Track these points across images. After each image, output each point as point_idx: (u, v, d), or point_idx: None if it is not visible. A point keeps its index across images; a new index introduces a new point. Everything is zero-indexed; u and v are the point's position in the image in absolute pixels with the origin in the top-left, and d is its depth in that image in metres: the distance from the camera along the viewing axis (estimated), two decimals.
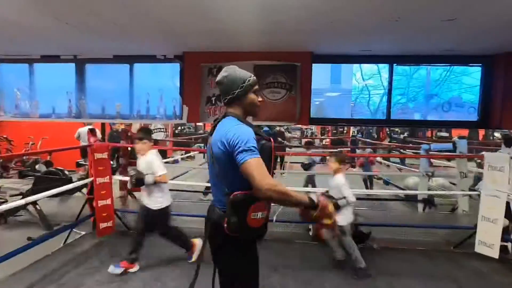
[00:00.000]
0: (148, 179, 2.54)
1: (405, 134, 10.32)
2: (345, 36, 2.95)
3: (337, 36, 2.94)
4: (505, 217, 2.72)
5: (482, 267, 2.82)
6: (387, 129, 9.79)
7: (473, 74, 3.62)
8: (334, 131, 14.33)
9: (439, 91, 3.75)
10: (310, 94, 3.53)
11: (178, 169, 6.45)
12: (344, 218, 2.71)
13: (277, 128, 8.97)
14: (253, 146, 1.19)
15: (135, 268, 2.62)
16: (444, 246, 3.30)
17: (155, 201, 2.62)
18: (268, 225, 1.39)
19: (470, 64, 3.63)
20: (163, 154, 7.73)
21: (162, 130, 8.87)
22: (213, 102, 3.61)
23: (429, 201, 4.09)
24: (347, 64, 3.98)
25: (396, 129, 11.15)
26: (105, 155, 3.17)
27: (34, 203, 3.38)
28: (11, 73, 3.92)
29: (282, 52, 3.45)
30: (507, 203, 2.72)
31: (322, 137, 14.38)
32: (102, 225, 3.07)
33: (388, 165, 7.43)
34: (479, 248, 2.82)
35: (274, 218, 3.16)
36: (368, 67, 3.85)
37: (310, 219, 1.29)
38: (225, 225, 1.23)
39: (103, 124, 10.07)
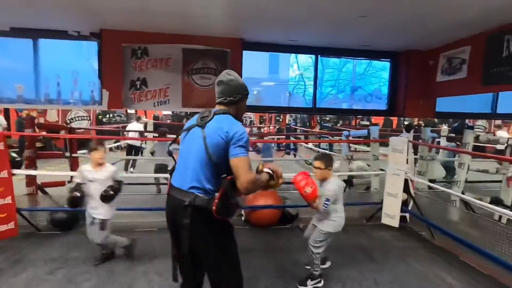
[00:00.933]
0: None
1: (339, 123, 11.37)
2: (273, 25, 3.01)
3: (265, 24, 2.98)
4: (404, 191, 3.20)
5: (386, 235, 3.29)
6: (318, 118, 10.55)
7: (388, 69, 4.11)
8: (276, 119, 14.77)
9: (363, 83, 4.17)
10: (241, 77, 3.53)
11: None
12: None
13: None
14: (246, 143, 1.38)
15: None
16: (358, 220, 3.74)
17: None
18: None
19: (382, 59, 4.09)
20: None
21: (85, 118, 7.93)
22: (138, 87, 3.35)
23: (348, 182, 4.55)
24: (277, 53, 4.12)
25: (327, 118, 12.15)
26: (1, 146, 2.68)
27: None
28: None
29: (211, 37, 3.36)
30: (405, 180, 3.21)
31: (262, 125, 14.75)
32: (1, 227, 2.62)
33: (318, 151, 8.04)
34: (384, 220, 3.28)
35: None
36: (304, 59, 4.04)
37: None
38: (214, 208, 1.33)
39: (6, 110, 8.57)
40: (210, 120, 1.43)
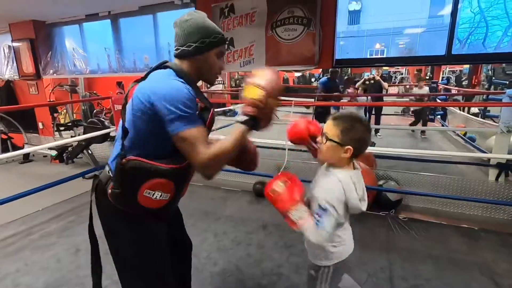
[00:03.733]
0: None
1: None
2: None
3: None
4: None
5: None
6: (486, 73, 7.44)
7: None
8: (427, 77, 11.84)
9: None
10: (335, 28, 2.83)
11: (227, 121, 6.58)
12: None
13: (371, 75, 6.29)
14: (187, 112, 0.91)
15: None
16: (509, 227, 2.48)
17: None
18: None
19: None
20: (222, 106, 7.97)
21: (220, 82, 9.04)
22: (226, 48, 3.32)
23: (507, 167, 3.04)
24: None
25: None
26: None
27: (86, 147, 4.00)
28: (68, 35, 4.42)
29: None
30: None
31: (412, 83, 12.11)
32: None
33: (475, 120, 5.84)
34: None
35: None
36: None
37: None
38: (109, 190, 1.00)
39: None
40: (142, 79, 1.01)
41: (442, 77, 9.28)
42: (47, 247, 2.28)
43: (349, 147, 1.00)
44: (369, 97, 5.83)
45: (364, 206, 1.03)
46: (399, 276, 1.92)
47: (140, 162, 0.95)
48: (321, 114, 5.35)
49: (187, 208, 2.88)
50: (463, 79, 8.85)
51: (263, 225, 2.57)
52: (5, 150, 4.65)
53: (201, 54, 1.02)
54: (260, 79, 0.96)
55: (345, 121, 1.02)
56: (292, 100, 3.10)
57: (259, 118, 0.98)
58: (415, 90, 5.83)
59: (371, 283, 1.85)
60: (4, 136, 4.75)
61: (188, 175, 1.08)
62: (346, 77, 5.79)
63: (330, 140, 1.02)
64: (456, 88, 7.87)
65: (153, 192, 0.97)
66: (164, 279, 1.13)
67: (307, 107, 7.55)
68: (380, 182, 2.90)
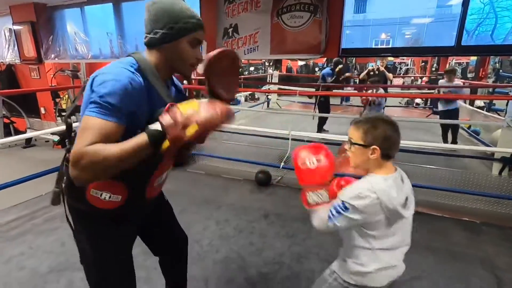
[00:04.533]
0: None
1: None
2: None
3: None
4: None
5: None
6: (494, 65, 7.31)
7: None
8: (433, 69, 11.63)
9: None
10: (342, 16, 2.77)
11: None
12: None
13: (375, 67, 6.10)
14: (108, 101, 0.77)
15: None
16: (511, 221, 2.48)
17: None
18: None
19: None
20: None
21: None
22: (230, 34, 3.26)
23: (510, 161, 3.02)
24: None
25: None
26: None
27: None
28: (70, 18, 4.33)
29: None
30: None
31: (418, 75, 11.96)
32: None
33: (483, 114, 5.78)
34: None
35: (281, 165, 2.90)
36: None
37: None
38: (63, 184, 0.94)
39: None
40: None
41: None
42: (51, 231, 2.30)
43: (375, 146, 0.94)
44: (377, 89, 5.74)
45: (407, 214, 0.94)
46: None
47: None
48: (323, 104, 5.30)
49: (189, 196, 2.90)
50: (470, 71, 8.68)
51: (265, 214, 2.58)
52: (8, 134, 4.65)
53: (169, 42, 0.88)
54: (206, 106, 0.76)
55: (366, 122, 0.98)
56: (296, 90, 3.05)
57: (167, 136, 0.74)
58: (442, 82, 5.00)
59: None
60: (6, 121, 4.74)
61: (144, 176, 0.97)
62: (338, 66, 5.47)
63: (355, 144, 0.98)
64: (462, 80, 7.76)
65: (100, 192, 0.90)
66: (120, 285, 1.08)
67: (310, 97, 7.48)
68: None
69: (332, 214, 0.96)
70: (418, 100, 8.71)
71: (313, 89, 5.78)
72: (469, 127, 5.52)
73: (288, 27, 2.92)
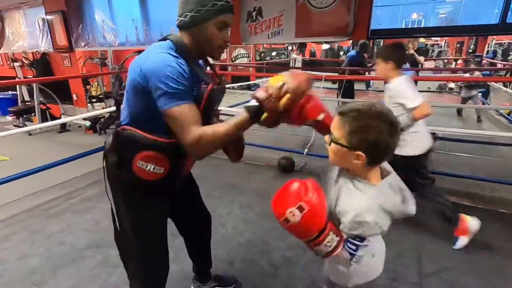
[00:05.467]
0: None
1: None
2: None
3: None
4: None
5: None
6: None
7: None
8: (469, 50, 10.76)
9: None
10: None
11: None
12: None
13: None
14: (175, 88, 0.86)
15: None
16: None
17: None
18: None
19: None
20: (246, 79, 7.87)
21: (245, 55, 8.85)
22: (254, 18, 3.18)
23: None
24: None
25: None
26: None
27: (117, 119, 4.15)
28: (98, 7, 4.44)
29: None
30: None
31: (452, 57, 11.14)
32: None
33: None
34: None
35: (305, 151, 2.86)
36: None
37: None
38: (109, 158, 1.02)
39: None
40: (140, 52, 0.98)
41: (487, 51, 8.47)
42: (87, 211, 2.46)
43: (360, 153, 0.75)
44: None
45: (413, 209, 0.82)
46: (428, 257, 1.87)
47: (134, 132, 0.95)
48: (347, 90, 5.12)
49: (214, 180, 2.96)
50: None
51: None
52: (44, 120, 4.95)
53: (197, 25, 0.93)
54: (291, 76, 0.84)
55: (355, 118, 0.75)
56: (322, 75, 2.97)
57: (264, 108, 0.84)
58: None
59: (398, 262, 1.83)
60: (43, 107, 5.03)
61: (185, 151, 1.01)
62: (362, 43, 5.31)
63: (335, 142, 0.79)
64: (503, 62, 7.17)
65: (146, 164, 0.96)
66: (157, 254, 1.18)
67: (334, 82, 7.25)
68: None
69: (353, 251, 0.80)
70: (452, 85, 8.18)
71: (338, 74, 5.60)
72: (509, 114, 5.14)
73: (314, 8, 2.80)
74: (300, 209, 0.72)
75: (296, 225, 0.74)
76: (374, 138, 0.74)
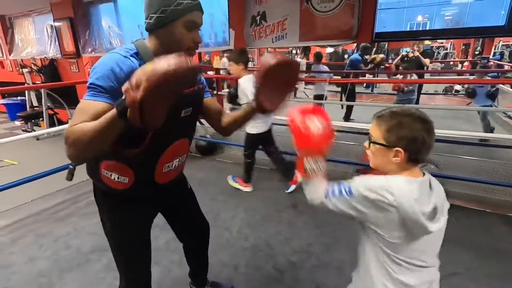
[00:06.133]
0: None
1: None
2: None
3: None
4: None
5: None
6: None
7: None
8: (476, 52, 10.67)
9: None
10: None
11: None
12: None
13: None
14: (96, 84, 0.81)
15: (248, 188, 2.84)
16: None
17: (251, 125, 2.60)
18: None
19: None
20: None
21: (249, 60, 8.89)
22: (258, 22, 3.21)
23: None
24: None
25: None
26: None
27: None
28: (104, 13, 4.52)
29: None
30: None
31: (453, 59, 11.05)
32: None
33: None
34: None
35: None
36: None
37: None
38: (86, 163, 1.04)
39: None
40: None
41: (494, 52, 8.37)
42: (93, 214, 2.48)
43: (399, 148, 0.78)
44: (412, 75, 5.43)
45: (433, 227, 0.76)
46: None
47: None
48: (351, 92, 5.11)
49: (218, 184, 2.96)
50: None
51: (293, 204, 2.57)
52: (52, 124, 5.03)
53: (164, 27, 0.87)
54: (160, 60, 0.66)
55: (391, 117, 0.80)
56: (326, 78, 2.96)
57: (126, 103, 0.68)
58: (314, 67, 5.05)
59: None
60: (50, 112, 5.11)
61: (150, 160, 1.00)
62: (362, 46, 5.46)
63: (375, 143, 0.83)
64: (510, 64, 7.08)
65: (110, 173, 0.97)
66: (134, 259, 1.18)
67: (338, 85, 7.25)
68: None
69: (332, 192, 0.85)
70: (457, 87, 8.10)
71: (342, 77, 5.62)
72: None
73: (318, 12, 2.82)
74: (321, 122, 0.87)
75: (311, 135, 0.85)
76: (410, 134, 0.77)
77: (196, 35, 0.90)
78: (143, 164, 0.99)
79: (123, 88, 0.68)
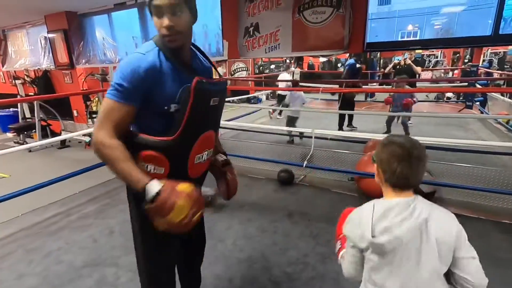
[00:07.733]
0: None
1: None
2: None
3: None
4: None
5: None
6: None
7: None
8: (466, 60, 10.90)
9: None
10: (367, 9, 2.67)
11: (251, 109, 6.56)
12: None
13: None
14: (120, 84, 0.91)
15: None
16: None
17: None
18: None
19: None
20: (246, 93, 7.92)
21: (244, 69, 8.97)
22: (251, 33, 3.25)
23: None
24: None
25: None
26: None
27: None
28: (98, 25, 4.54)
29: None
30: None
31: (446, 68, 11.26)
32: None
33: None
34: None
35: (305, 163, 2.86)
36: None
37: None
38: None
39: None
40: None
41: (483, 60, 8.57)
42: (85, 228, 2.43)
43: (378, 168, 0.86)
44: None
45: (382, 239, 0.78)
46: None
47: (134, 134, 0.99)
48: (347, 101, 5.17)
49: None
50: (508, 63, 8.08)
51: (288, 214, 2.56)
52: (44, 136, 4.97)
53: (152, 19, 0.94)
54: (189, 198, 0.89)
55: (384, 139, 0.88)
56: (319, 87, 3.00)
57: (150, 207, 0.89)
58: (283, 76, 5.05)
59: None
60: (43, 123, 5.06)
61: (184, 149, 1.03)
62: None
63: (372, 159, 0.90)
64: (499, 71, 7.25)
65: (146, 165, 0.98)
66: (162, 258, 1.17)
67: (333, 93, 7.33)
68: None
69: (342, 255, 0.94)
70: (449, 94, 8.25)
71: (336, 86, 5.68)
72: (507, 122, 5.15)
73: (310, 23, 2.86)
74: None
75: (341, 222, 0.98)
76: (385, 157, 0.82)
77: (164, 19, 0.90)
78: (178, 154, 1.01)
79: (159, 200, 0.86)
